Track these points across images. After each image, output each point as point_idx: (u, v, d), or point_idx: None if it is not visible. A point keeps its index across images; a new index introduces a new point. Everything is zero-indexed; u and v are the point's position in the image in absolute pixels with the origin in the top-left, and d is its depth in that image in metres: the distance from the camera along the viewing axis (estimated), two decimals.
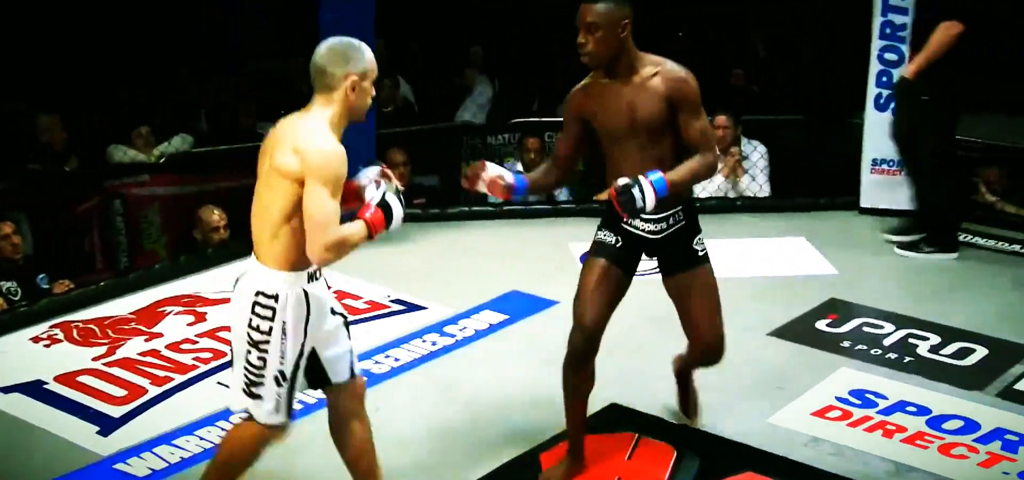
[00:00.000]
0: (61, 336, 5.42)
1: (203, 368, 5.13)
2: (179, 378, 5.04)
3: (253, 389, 3.45)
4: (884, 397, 4.81)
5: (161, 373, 5.07)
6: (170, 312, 5.78)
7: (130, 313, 5.77)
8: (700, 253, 4.01)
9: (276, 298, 3.38)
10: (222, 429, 4.52)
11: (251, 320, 3.39)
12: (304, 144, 3.28)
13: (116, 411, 4.73)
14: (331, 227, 3.26)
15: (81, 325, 5.57)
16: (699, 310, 4.05)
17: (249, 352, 3.42)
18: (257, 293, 3.39)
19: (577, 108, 3.98)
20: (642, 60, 3.84)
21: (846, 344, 5.36)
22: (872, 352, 5.27)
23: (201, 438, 4.48)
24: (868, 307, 5.75)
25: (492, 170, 3.99)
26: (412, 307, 5.77)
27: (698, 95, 3.82)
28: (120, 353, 5.28)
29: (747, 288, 5.91)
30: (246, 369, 3.45)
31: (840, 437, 4.51)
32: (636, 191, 3.65)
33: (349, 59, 3.38)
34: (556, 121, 8.27)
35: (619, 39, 3.76)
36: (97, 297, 5.93)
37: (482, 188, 4.00)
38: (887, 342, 5.38)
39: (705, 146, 3.84)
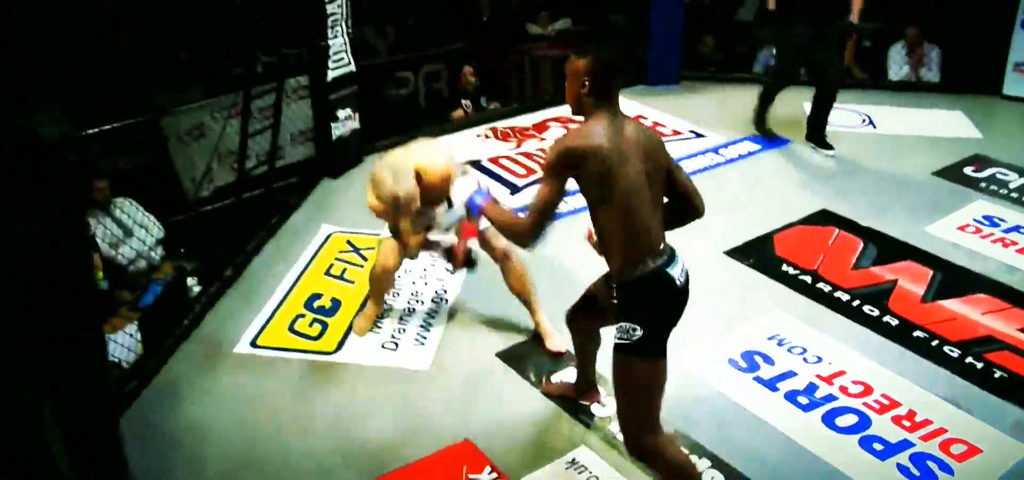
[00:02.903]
0: (491, 135, 5.61)
1: None
2: None
3: None
4: (1005, 221, 4.27)
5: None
6: (553, 126, 5.82)
7: (530, 125, 5.85)
8: (617, 339, 2.34)
9: None
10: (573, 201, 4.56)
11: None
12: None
13: (520, 181, 4.88)
14: None
15: (502, 129, 5.74)
16: None
17: None
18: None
19: None
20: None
21: (983, 184, 4.69)
22: (1001, 191, 4.60)
23: (567, 201, 4.50)
24: (1002, 161, 4.97)
25: None
26: (699, 134, 5.49)
27: (546, 163, 2.32)
28: (523, 148, 5.40)
29: (918, 143, 5.26)
30: None
31: (972, 244, 4.06)
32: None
33: None
34: None
35: (574, 92, 2.36)
36: (511, 113, 6.04)
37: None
38: (1012, 185, 4.68)
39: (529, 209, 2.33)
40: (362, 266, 3.93)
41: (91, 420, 2.40)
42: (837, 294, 3.65)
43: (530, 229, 2.32)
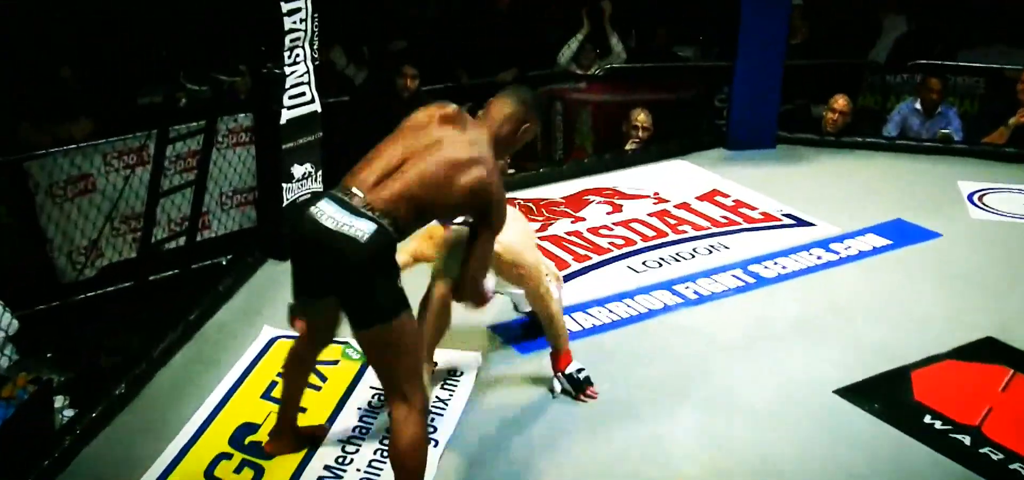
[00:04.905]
0: None
1: (616, 252, 5.21)
2: (596, 258, 5.14)
3: None
4: None
5: (582, 251, 5.21)
6: (593, 201, 5.90)
7: (561, 198, 5.94)
8: None
9: None
10: (628, 305, 4.60)
11: None
12: None
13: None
14: None
15: (522, 202, 5.80)
16: None
17: None
18: None
19: None
20: None
21: None
22: None
23: (610, 310, 4.56)
24: None
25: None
26: (801, 222, 5.55)
27: None
28: (551, 230, 5.47)
29: None
30: None
31: None
32: None
33: None
34: (956, 65, 7.55)
35: None
36: (536, 180, 6.17)
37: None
38: None
39: None
40: (319, 387, 3.92)
41: None
42: (1014, 466, 3.58)
43: None
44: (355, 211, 2.88)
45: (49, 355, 4.61)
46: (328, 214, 2.88)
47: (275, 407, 3.78)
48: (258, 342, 4.23)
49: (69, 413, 3.91)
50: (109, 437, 3.68)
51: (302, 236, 2.95)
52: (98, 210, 5.31)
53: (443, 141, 3.00)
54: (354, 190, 2.92)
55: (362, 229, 2.85)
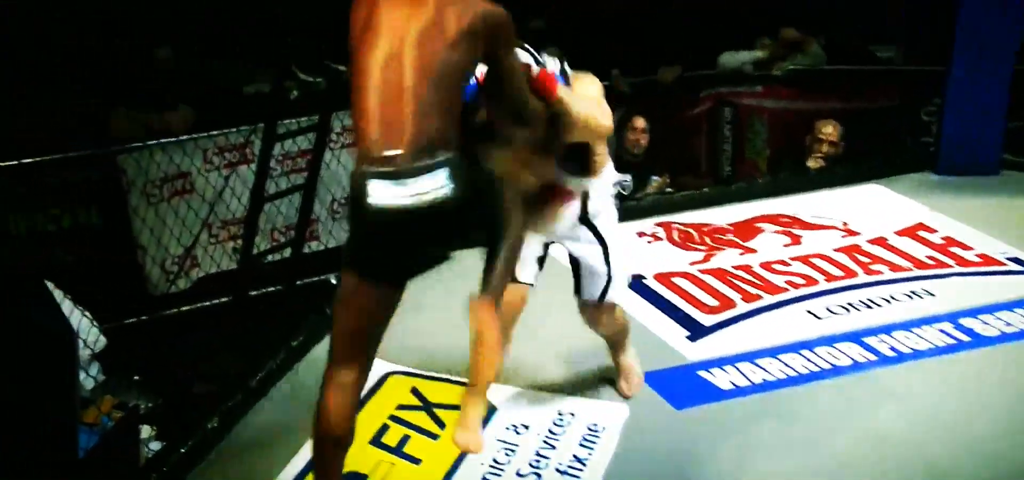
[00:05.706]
0: (663, 235, 5.68)
1: (793, 292, 5.13)
2: (768, 298, 5.08)
3: None
4: None
5: (752, 290, 5.15)
6: (766, 230, 5.84)
7: (728, 224, 5.90)
8: None
9: None
10: (806, 358, 4.52)
11: None
12: None
13: (706, 319, 4.89)
14: None
15: (681, 227, 5.79)
16: None
17: None
18: None
19: None
20: None
21: None
22: None
23: (784, 364, 4.49)
24: None
25: None
26: None
27: None
28: (714, 262, 5.44)
29: None
30: None
31: None
32: None
33: None
34: None
35: None
36: (699, 202, 6.14)
37: None
38: None
39: None
40: (437, 435, 3.97)
41: None
42: None
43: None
44: (410, 172, 2.82)
45: (136, 377, 4.77)
46: (391, 195, 2.83)
47: (386, 455, 3.85)
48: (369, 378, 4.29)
49: (155, 446, 4.03)
50: (199, 478, 3.79)
51: (379, 223, 2.89)
52: (195, 214, 5.46)
53: (405, 28, 2.87)
54: (386, 154, 2.83)
55: (436, 186, 2.84)
